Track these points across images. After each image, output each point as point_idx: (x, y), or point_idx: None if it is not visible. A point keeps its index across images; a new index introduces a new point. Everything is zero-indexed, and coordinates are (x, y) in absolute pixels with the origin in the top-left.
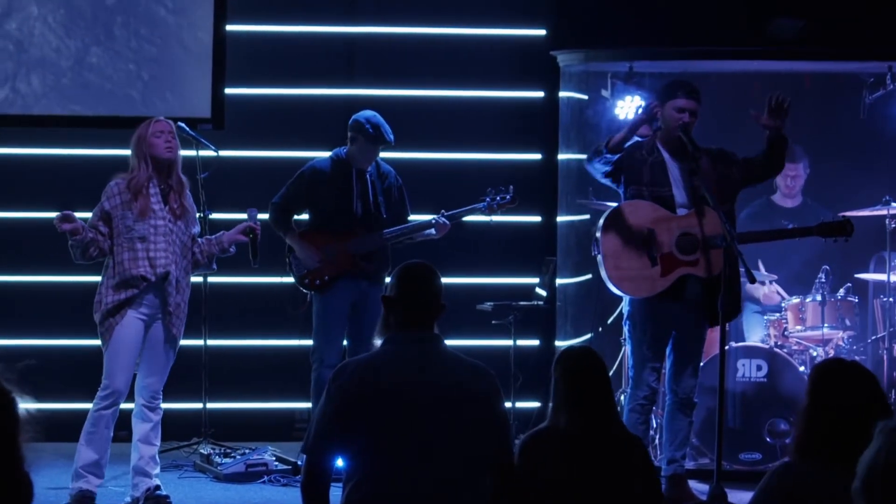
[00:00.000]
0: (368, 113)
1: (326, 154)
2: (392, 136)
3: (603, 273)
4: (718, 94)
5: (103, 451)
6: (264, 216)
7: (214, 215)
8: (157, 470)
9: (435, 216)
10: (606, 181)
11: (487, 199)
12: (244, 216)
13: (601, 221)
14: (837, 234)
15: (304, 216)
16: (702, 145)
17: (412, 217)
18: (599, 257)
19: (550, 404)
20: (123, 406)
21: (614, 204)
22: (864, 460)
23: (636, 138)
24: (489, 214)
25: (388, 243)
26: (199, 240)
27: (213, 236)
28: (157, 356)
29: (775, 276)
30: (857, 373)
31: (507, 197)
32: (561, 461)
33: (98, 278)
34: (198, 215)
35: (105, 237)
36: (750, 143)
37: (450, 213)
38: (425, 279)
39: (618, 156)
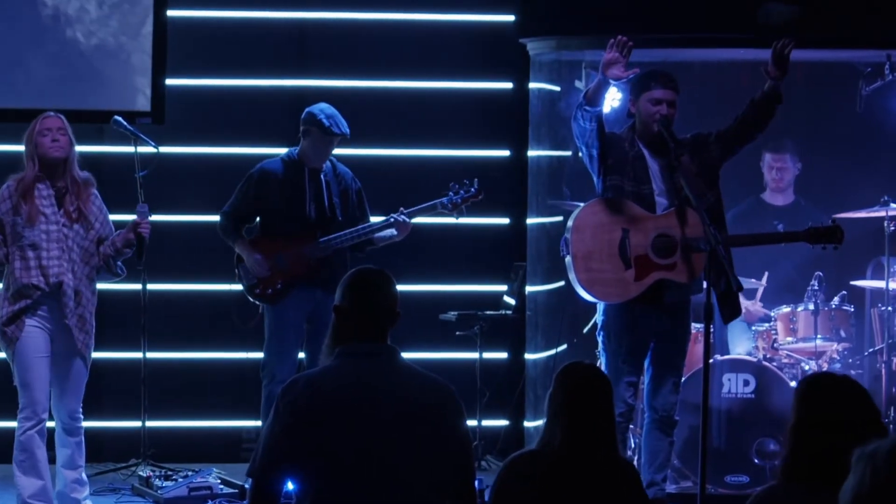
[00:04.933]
0: (322, 105)
1: (276, 151)
2: (347, 130)
3: (572, 276)
4: (703, 85)
5: (44, 474)
6: (210, 220)
7: (154, 217)
8: (87, 492)
9: (393, 215)
10: (588, 150)
11: (450, 193)
12: (188, 218)
13: (571, 220)
14: (826, 241)
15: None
16: (678, 137)
17: (373, 220)
18: (568, 259)
19: (543, 422)
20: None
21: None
22: (847, 490)
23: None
24: (453, 211)
25: (345, 247)
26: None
27: (110, 237)
28: (66, 373)
29: (764, 283)
30: (848, 387)
31: (472, 190)
32: (550, 486)
33: None
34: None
35: (0, 244)
36: None
37: (409, 209)
38: (379, 286)
39: (599, 108)
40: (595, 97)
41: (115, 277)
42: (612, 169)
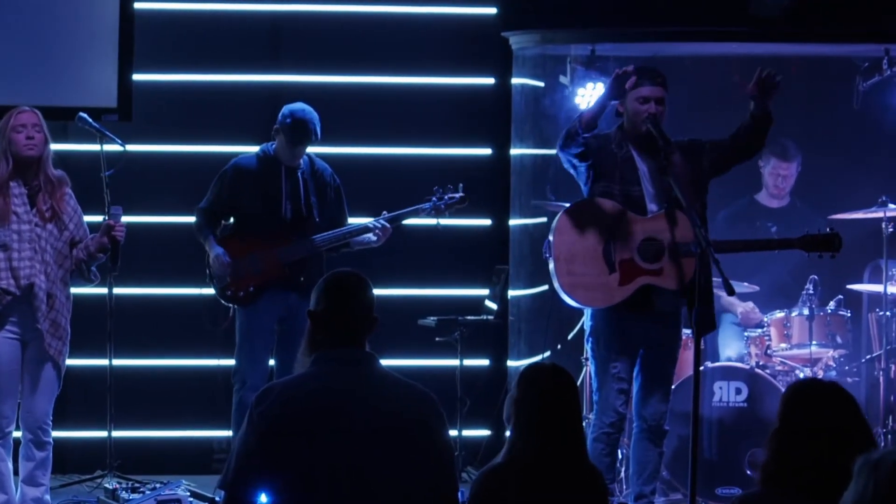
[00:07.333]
0: (297, 105)
1: (249, 149)
2: (318, 134)
3: (554, 279)
4: (693, 80)
5: (9, 488)
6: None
7: (121, 218)
8: None
9: (373, 219)
10: (575, 168)
11: (434, 198)
12: (156, 220)
13: (555, 220)
14: (823, 249)
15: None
16: (672, 138)
17: (350, 221)
18: (551, 261)
19: (508, 431)
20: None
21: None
22: (847, 499)
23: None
24: (436, 216)
25: (321, 250)
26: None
27: (83, 241)
28: (36, 382)
29: (757, 287)
30: (834, 395)
31: (456, 196)
32: (522, 498)
33: None
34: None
35: None
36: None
37: (391, 214)
38: (354, 290)
39: (591, 133)
40: (594, 121)
41: (89, 283)
42: (599, 175)
